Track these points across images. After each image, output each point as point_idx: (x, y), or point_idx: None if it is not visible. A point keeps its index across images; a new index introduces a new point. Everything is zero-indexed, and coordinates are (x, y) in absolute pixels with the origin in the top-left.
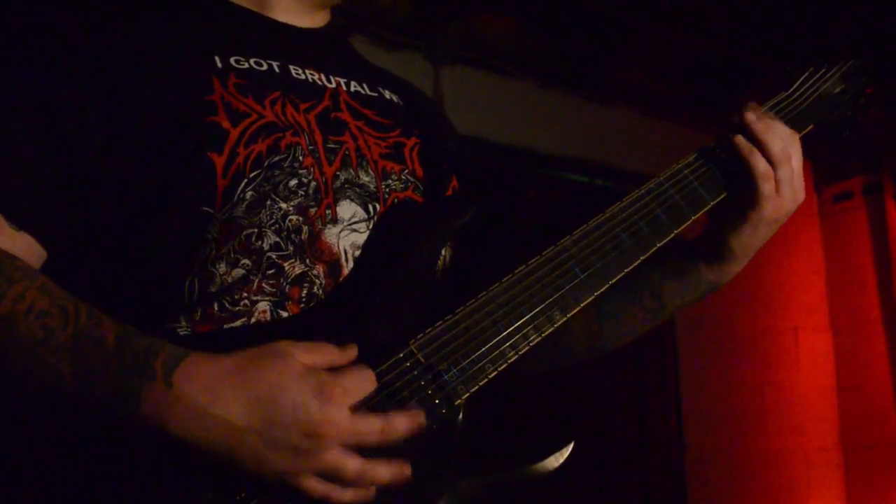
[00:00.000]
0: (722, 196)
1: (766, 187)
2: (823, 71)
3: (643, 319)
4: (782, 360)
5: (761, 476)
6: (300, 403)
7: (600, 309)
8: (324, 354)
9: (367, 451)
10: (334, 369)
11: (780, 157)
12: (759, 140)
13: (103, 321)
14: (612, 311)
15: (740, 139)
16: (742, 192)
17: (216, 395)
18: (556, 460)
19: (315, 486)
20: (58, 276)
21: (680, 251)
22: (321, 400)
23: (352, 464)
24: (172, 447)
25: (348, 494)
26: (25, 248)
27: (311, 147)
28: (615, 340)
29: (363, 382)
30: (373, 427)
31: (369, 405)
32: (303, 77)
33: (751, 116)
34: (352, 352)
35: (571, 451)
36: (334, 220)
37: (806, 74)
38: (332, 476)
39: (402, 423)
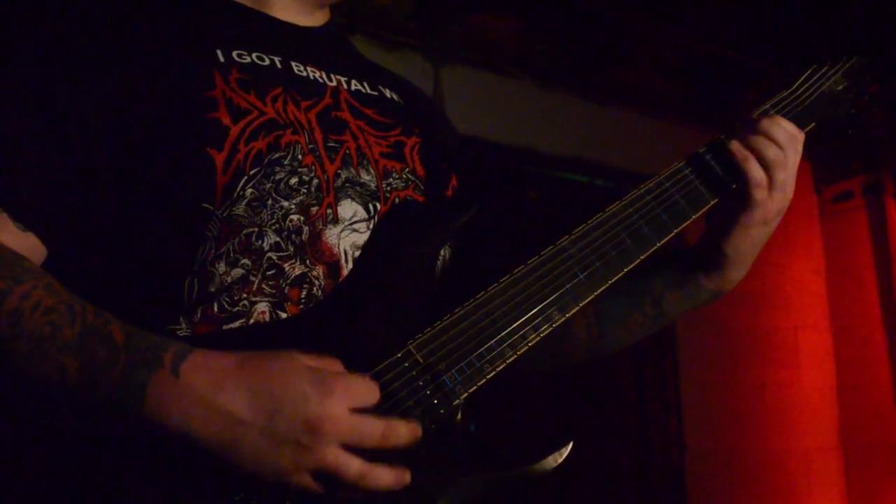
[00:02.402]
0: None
1: (759, 194)
2: (826, 69)
3: (643, 326)
4: (782, 360)
5: (761, 476)
6: (300, 394)
7: (601, 314)
8: (330, 363)
9: (365, 453)
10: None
11: (776, 161)
12: (753, 147)
13: (110, 321)
14: (613, 317)
15: (735, 145)
16: (733, 197)
17: (221, 387)
18: (555, 460)
19: (312, 484)
20: (58, 276)
21: (682, 259)
22: (321, 391)
23: (353, 465)
24: (172, 443)
25: (344, 495)
26: (30, 248)
27: (311, 146)
28: (615, 344)
29: (367, 389)
30: (374, 429)
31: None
32: (304, 74)
33: (741, 123)
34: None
35: (571, 451)
36: (335, 220)
37: (808, 72)
38: (332, 476)
39: (403, 431)
